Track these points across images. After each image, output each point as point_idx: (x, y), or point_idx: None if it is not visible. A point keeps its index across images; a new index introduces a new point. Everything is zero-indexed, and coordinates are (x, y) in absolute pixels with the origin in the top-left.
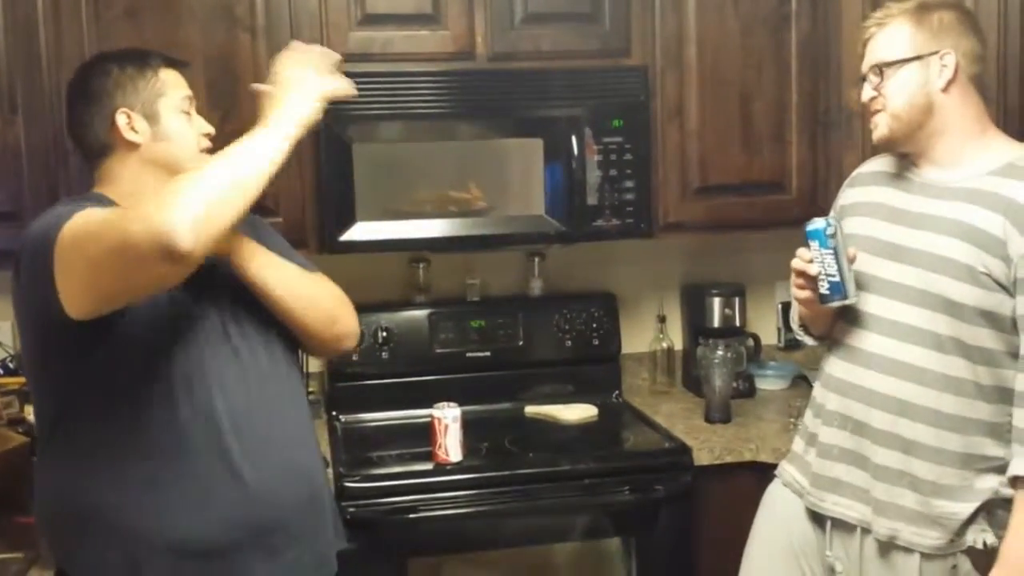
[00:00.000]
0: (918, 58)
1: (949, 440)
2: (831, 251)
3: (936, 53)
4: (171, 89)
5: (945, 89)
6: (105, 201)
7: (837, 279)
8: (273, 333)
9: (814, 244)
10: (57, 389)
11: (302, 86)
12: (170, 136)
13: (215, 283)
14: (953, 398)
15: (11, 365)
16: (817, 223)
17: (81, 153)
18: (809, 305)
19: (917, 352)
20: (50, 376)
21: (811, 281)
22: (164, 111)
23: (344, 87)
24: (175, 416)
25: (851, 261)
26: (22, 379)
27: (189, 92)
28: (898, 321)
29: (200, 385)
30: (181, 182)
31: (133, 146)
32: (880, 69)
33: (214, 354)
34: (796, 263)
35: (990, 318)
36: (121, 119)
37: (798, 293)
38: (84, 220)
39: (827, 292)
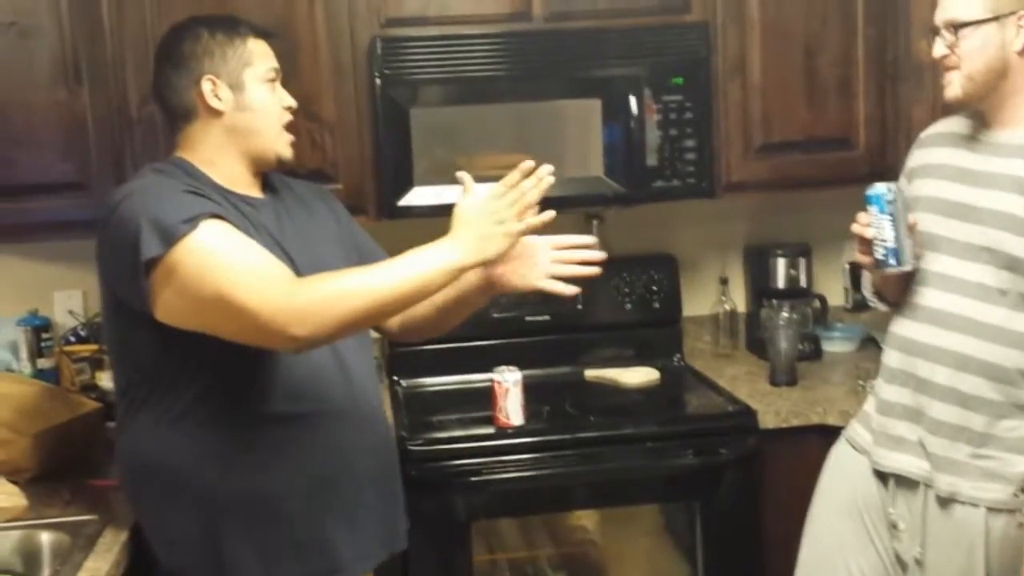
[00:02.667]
0: (996, 19)
1: (1009, 394)
2: (889, 217)
3: (1014, 13)
4: (258, 59)
5: (1021, 51)
6: (190, 169)
7: (893, 245)
8: None
9: (873, 209)
10: (135, 357)
11: (485, 243)
12: (253, 107)
13: (302, 250)
14: (1014, 352)
15: (82, 333)
16: (878, 188)
17: (164, 115)
18: (871, 270)
19: (979, 307)
20: (128, 346)
21: (868, 245)
22: (249, 81)
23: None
24: (256, 384)
25: (911, 229)
26: (93, 347)
27: (276, 64)
28: (961, 277)
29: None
30: (329, 293)
31: (216, 113)
32: (955, 28)
33: None
34: (854, 227)
35: None
36: (206, 86)
37: (859, 258)
38: (219, 251)
39: (882, 258)
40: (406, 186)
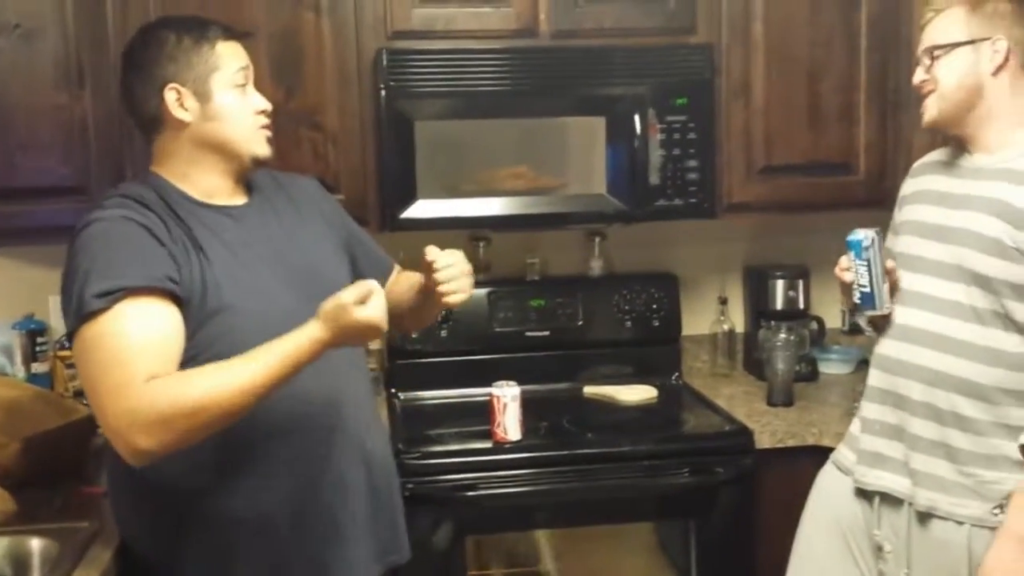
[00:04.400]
0: (970, 43)
1: (984, 410)
2: (864, 263)
3: (988, 39)
4: (226, 62)
5: (995, 73)
6: (162, 187)
7: (868, 290)
8: None
9: (851, 254)
10: None
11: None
12: (221, 116)
13: (289, 256)
14: (988, 368)
15: None
16: (857, 234)
17: (134, 124)
18: (851, 312)
19: (953, 324)
20: None
21: (847, 288)
22: (217, 88)
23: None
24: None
25: (889, 274)
26: None
27: (246, 63)
28: (935, 296)
29: None
30: (178, 405)
31: (182, 124)
32: (932, 52)
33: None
34: (836, 271)
35: (1020, 291)
36: (170, 96)
37: (842, 299)
38: (109, 343)
39: (858, 301)
40: (409, 198)
